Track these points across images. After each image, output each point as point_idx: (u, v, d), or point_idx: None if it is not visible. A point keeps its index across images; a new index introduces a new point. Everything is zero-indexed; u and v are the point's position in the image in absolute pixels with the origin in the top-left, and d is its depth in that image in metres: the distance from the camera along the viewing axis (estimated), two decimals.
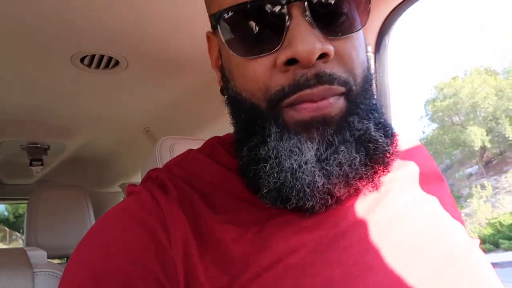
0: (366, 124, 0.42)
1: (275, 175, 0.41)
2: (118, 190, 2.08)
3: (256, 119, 0.43)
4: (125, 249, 0.41)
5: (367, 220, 0.44)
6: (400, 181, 0.51)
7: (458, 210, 0.56)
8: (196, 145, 0.87)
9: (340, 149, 0.40)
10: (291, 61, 0.40)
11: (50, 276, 0.74)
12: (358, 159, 0.41)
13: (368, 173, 0.42)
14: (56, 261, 1.78)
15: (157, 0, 0.85)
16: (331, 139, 0.40)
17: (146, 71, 1.18)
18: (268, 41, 0.41)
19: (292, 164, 0.40)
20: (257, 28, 0.41)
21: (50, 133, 1.57)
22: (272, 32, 0.40)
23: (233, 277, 0.39)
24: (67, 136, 1.62)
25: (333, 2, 0.41)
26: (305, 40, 0.39)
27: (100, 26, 0.93)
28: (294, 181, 0.40)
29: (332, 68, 0.41)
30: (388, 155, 0.43)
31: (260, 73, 0.42)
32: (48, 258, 1.67)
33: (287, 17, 0.39)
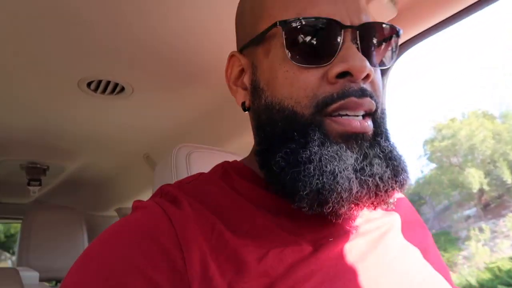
0: (389, 145, 0.48)
1: (317, 176, 0.43)
2: (113, 215, 2.07)
3: (296, 126, 0.46)
4: (133, 267, 0.39)
5: (362, 264, 0.47)
6: (388, 229, 0.55)
7: (441, 258, 0.62)
8: (215, 155, 0.87)
9: (375, 162, 0.45)
10: (342, 75, 0.46)
11: None
12: (388, 173, 0.46)
13: (394, 187, 0.47)
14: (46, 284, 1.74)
15: (163, 29, 0.89)
16: (367, 152, 0.46)
17: (150, 98, 1.21)
18: (322, 55, 0.47)
19: (335, 168, 0.43)
20: (317, 41, 0.47)
21: (50, 154, 1.59)
22: (328, 48, 0.47)
23: None
24: (66, 157, 1.63)
25: (376, 37, 0.50)
26: (359, 58, 0.46)
27: (107, 53, 0.97)
28: (336, 184, 0.43)
29: (369, 88, 0.48)
30: (405, 176, 0.48)
31: (310, 81, 0.46)
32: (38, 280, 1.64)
33: (341, 39, 0.46)
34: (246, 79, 0.54)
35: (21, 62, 0.98)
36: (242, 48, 0.55)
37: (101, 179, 1.88)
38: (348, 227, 0.51)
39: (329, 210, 0.44)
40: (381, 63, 0.51)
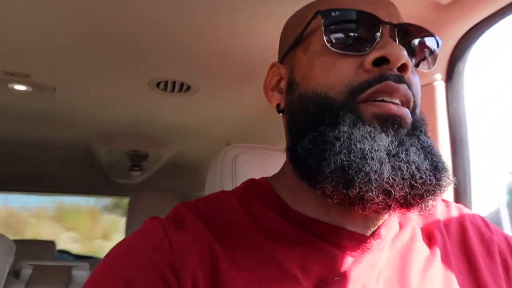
0: (429, 140, 0.45)
1: (344, 154, 0.41)
2: None
3: (327, 110, 0.45)
4: None
5: None
6: (419, 261, 0.48)
7: None
8: (264, 156, 0.87)
9: (412, 150, 0.42)
10: (378, 63, 0.44)
11: None
12: (426, 164, 0.42)
13: (433, 182, 0.42)
14: None
15: (226, 33, 0.90)
16: (403, 139, 0.42)
17: (217, 93, 1.24)
18: (360, 44, 0.46)
19: (365, 147, 0.40)
20: (354, 31, 0.47)
21: (148, 143, 1.76)
22: (365, 38, 0.46)
23: None
24: (163, 146, 1.80)
25: (413, 40, 0.49)
26: (397, 46, 0.45)
27: (171, 57, 1.02)
28: (363, 162, 0.40)
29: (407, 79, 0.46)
30: (445, 180, 0.43)
31: (347, 68, 0.46)
32: None
33: (379, 34, 0.46)
34: (283, 84, 0.54)
35: (100, 64, 1.08)
36: (283, 57, 0.55)
37: (195, 163, 2.03)
38: (363, 263, 0.45)
39: (355, 193, 0.39)
40: (422, 65, 0.50)
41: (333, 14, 0.47)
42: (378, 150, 0.40)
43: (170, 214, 0.52)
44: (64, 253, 2.23)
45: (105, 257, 0.48)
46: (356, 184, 0.39)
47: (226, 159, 0.84)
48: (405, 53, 0.44)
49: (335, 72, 0.46)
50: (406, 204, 0.42)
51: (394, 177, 0.40)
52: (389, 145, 0.41)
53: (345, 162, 0.40)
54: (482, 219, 0.57)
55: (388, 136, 0.42)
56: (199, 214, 0.49)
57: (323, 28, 0.47)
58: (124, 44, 0.96)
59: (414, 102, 0.46)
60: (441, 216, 0.56)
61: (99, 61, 1.04)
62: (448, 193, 0.87)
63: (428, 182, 0.41)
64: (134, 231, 0.50)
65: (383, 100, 0.43)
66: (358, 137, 0.41)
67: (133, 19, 0.86)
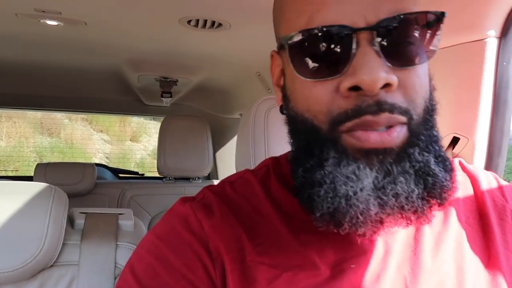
0: (427, 156, 0.41)
1: (329, 200, 0.41)
2: (238, 117, 2.25)
3: (315, 141, 0.44)
4: (177, 273, 0.45)
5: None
6: (452, 226, 0.49)
7: None
8: None
9: (399, 180, 0.40)
10: (354, 88, 0.40)
11: (131, 251, 0.77)
12: (416, 192, 0.40)
13: (424, 207, 0.42)
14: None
15: None
16: (390, 169, 0.40)
17: (248, 29, 1.19)
18: (333, 66, 0.41)
19: (348, 191, 0.40)
20: (324, 53, 0.42)
21: (178, 70, 1.75)
22: (338, 58, 0.41)
23: None
24: (192, 72, 1.78)
25: (402, 33, 0.41)
26: (371, 69, 0.39)
27: None
28: (348, 208, 0.40)
29: (393, 98, 0.41)
30: (446, 191, 0.42)
31: (322, 96, 0.42)
32: (172, 178, 1.98)
33: (354, 45, 0.40)
34: (282, 80, 0.51)
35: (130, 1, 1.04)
36: (278, 47, 0.51)
37: (225, 88, 2.03)
38: (377, 247, 0.46)
39: (346, 231, 0.42)
40: (417, 58, 0.42)
41: (295, 39, 0.42)
42: (363, 189, 0.40)
43: (198, 197, 0.53)
44: (102, 166, 2.39)
45: (145, 237, 0.51)
46: (345, 225, 0.41)
47: (258, 112, 0.81)
48: (380, 75, 0.39)
49: (312, 99, 0.43)
50: (405, 223, 0.43)
51: (383, 211, 0.40)
52: (374, 180, 0.40)
53: (331, 209, 0.41)
54: (498, 183, 0.54)
55: (372, 170, 0.40)
56: (224, 198, 0.51)
57: (288, 57, 0.44)
58: None
59: (408, 112, 0.41)
60: (460, 183, 0.53)
61: None
62: (482, 151, 0.87)
63: (419, 209, 0.41)
64: (168, 214, 0.52)
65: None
66: (342, 178, 0.40)
67: None
